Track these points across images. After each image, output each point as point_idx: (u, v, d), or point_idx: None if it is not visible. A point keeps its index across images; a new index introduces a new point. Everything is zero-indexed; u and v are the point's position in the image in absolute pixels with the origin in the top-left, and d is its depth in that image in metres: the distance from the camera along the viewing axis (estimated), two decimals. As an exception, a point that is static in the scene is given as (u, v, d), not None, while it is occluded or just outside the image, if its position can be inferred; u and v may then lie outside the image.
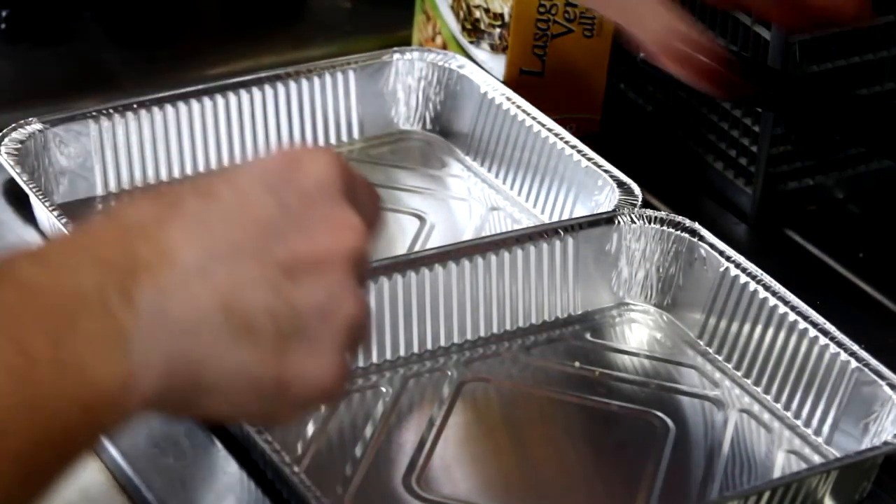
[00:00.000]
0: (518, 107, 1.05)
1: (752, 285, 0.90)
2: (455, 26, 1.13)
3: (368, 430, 0.86)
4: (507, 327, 0.93)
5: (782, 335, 0.88)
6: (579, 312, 0.95)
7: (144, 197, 0.61)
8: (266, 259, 0.58)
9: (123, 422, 0.58)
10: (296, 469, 0.78)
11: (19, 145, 0.99)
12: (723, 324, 0.91)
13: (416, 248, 1.00)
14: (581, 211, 1.00)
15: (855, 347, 0.86)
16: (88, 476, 0.82)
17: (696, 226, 0.94)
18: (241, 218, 0.59)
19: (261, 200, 0.60)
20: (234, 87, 1.06)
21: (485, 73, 1.08)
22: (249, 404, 0.59)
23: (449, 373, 0.91)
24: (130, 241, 0.58)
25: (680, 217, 0.95)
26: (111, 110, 1.03)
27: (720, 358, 0.91)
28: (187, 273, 0.58)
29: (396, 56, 1.10)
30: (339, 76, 1.09)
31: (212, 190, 0.60)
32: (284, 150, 0.64)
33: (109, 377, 0.56)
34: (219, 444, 0.84)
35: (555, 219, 1.02)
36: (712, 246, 0.93)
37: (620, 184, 0.98)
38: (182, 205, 0.60)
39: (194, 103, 1.05)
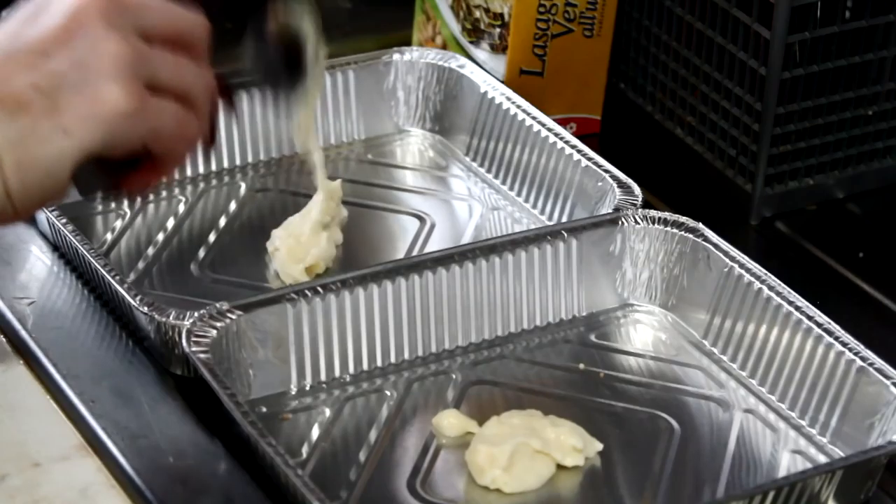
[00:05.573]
0: (518, 107, 1.05)
1: (757, 285, 0.90)
2: (455, 26, 1.13)
3: (373, 435, 0.86)
4: (512, 329, 0.93)
5: (787, 335, 0.88)
6: (584, 314, 0.95)
7: None
8: (20, 49, 0.72)
9: None
10: (300, 472, 0.78)
11: (19, 147, 0.99)
12: (727, 324, 0.91)
13: (417, 247, 1.00)
14: (581, 211, 1.00)
15: (860, 347, 0.86)
16: (88, 476, 0.82)
17: (700, 226, 0.94)
18: (7, 28, 0.73)
19: (22, 9, 0.74)
20: (234, 88, 1.05)
21: (485, 73, 1.08)
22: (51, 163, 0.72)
23: (453, 376, 0.91)
24: None
25: (684, 217, 0.95)
26: (110, 111, 1.02)
27: (725, 358, 0.91)
28: None
29: (396, 56, 1.10)
30: (339, 76, 1.08)
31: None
32: None
33: None
34: (221, 446, 0.84)
35: (555, 219, 1.02)
36: (716, 246, 0.93)
37: (621, 184, 0.98)
38: None
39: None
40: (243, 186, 1.05)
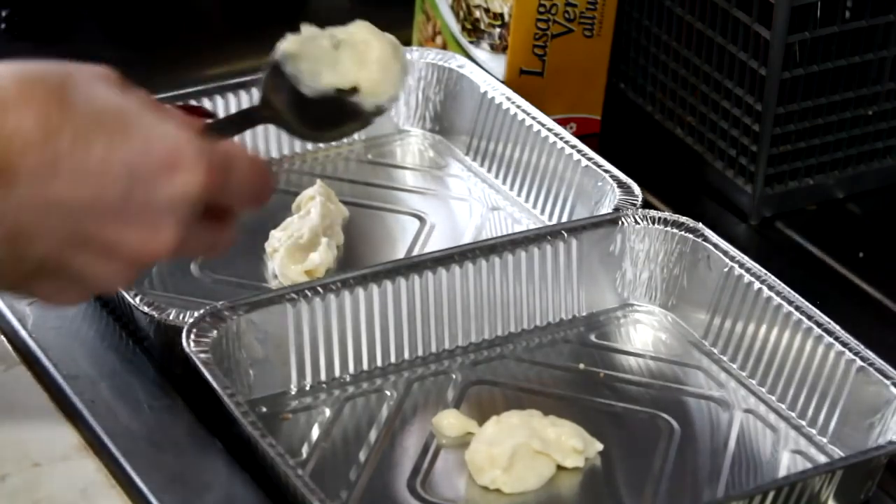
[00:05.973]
0: (518, 107, 1.05)
1: (757, 285, 0.90)
2: (455, 26, 1.13)
3: (373, 435, 0.86)
4: (512, 329, 0.93)
5: (787, 335, 0.88)
6: (584, 314, 0.95)
7: (40, 101, 0.66)
8: (76, 225, 0.67)
9: None
10: (300, 472, 0.78)
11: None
12: (727, 324, 0.91)
13: (417, 248, 1.00)
14: (581, 211, 1.00)
15: (860, 347, 0.86)
16: (88, 476, 0.82)
17: (700, 226, 0.94)
18: (89, 184, 0.67)
19: (114, 181, 0.67)
20: (234, 88, 1.06)
21: (485, 73, 1.08)
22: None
23: (453, 376, 0.91)
24: None
25: (684, 217, 0.95)
26: (110, 111, 1.02)
27: (725, 358, 0.91)
28: (13, 196, 0.66)
29: (396, 56, 1.10)
30: (339, 76, 1.08)
31: (89, 140, 0.66)
32: (175, 146, 0.68)
33: None
34: (220, 446, 0.84)
35: (555, 219, 1.02)
36: (716, 246, 0.93)
37: (621, 184, 0.98)
38: (57, 137, 0.66)
39: (193, 103, 1.04)
40: (243, 186, 1.05)
